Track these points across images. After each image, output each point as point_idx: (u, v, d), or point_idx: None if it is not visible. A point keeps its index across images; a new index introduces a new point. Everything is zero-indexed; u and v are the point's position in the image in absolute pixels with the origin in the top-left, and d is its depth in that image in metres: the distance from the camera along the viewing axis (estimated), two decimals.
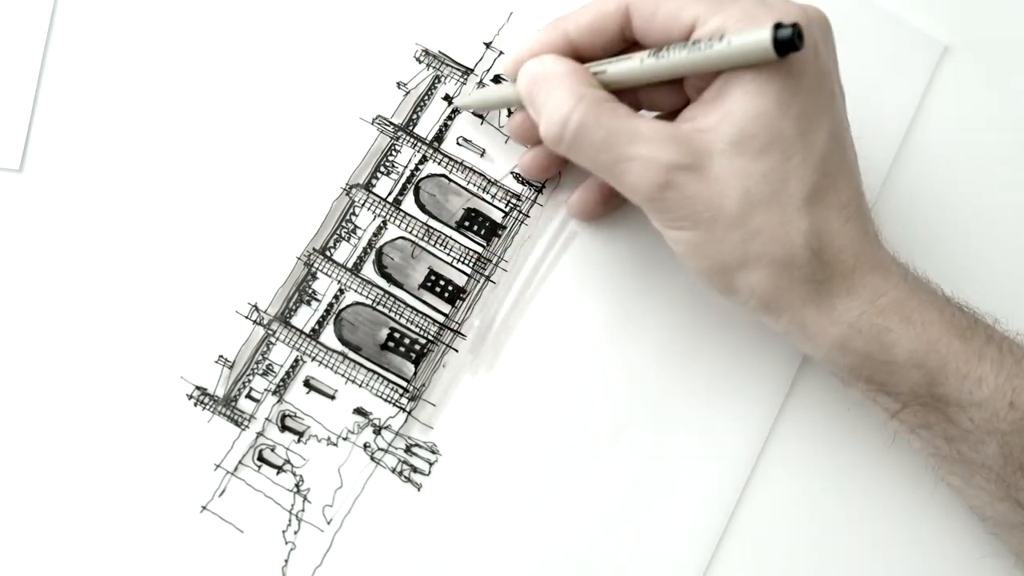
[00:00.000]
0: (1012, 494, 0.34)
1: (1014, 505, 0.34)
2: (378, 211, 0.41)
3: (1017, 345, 0.35)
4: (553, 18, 0.43)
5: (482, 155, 0.42)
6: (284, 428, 0.39)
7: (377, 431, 0.39)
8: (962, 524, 0.39)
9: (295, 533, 0.38)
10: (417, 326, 0.40)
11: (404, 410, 0.39)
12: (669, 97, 0.37)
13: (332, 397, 0.40)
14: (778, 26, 0.31)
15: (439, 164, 0.42)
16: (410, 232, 0.41)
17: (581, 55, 0.36)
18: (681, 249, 0.34)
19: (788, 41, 0.30)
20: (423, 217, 0.41)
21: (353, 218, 0.41)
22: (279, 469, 0.39)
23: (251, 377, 0.39)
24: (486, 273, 0.41)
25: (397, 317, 0.40)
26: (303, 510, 0.38)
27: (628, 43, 0.36)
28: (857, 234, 0.34)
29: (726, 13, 0.32)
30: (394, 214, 0.41)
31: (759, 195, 0.32)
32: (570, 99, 0.33)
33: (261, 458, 0.39)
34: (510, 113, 0.41)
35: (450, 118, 0.42)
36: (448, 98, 0.42)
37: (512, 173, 0.42)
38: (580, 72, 0.34)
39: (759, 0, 0.33)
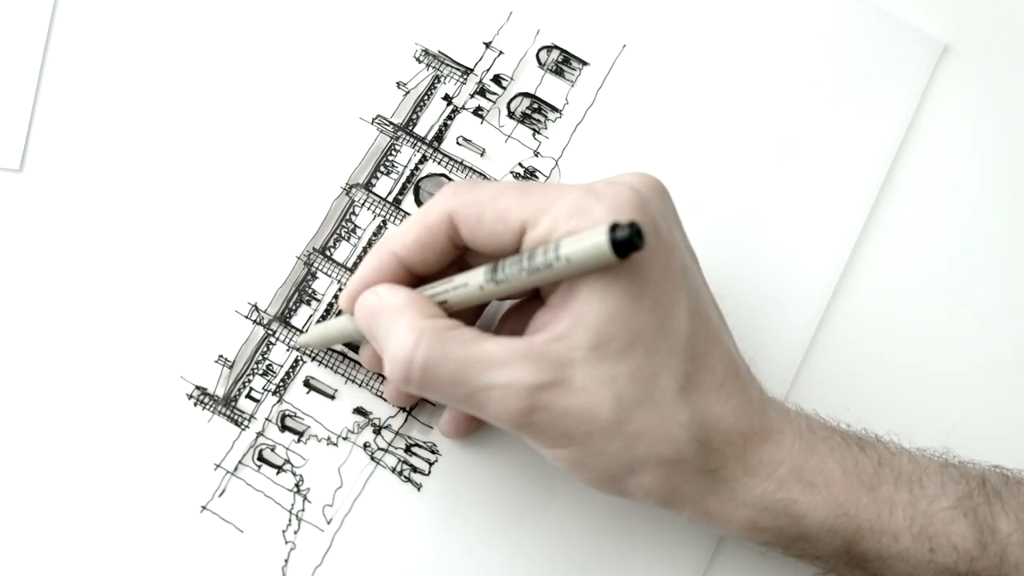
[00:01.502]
0: None
1: None
2: (378, 211, 0.41)
3: (927, 476, 0.33)
4: (551, 23, 0.43)
5: (482, 155, 0.42)
6: (284, 428, 0.39)
7: (377, 431, 0.39)
8: None
9: (295, 533, 0.38)
10: None
11: (404, 409, 0.39)
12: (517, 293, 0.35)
13: (332, 397, 0.40)
14: (614, 227, 0.28)
15: (439, 164, 0.42)
16: None
17: (415, 272, 0.34)
18: (564, 466, 0.32)
19: (627, 242, 0.28)
20: None
21: (353, 218, 0.41)
22: (279, 469, 0.39)
23: (251, 377, 0.39)
24: None
25: None
26: (303, 510, 0.38)
27: (460, 250, 0.34)
28: (741, 409, 0.32)
29: (555, 211, 0.30)
30: (394, 214, 0.41)
31: (630, 398, 0.30)
32: (410, 337, 0.31)
33: (261, 458, 0.39)
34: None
35: (450, 118, 0.42)
36: (448, 98, 0.42)
37: (512, 173, 0.42)
38: (417, 301, 0.32)
39: (586, 189, 0.31)
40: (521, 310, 0.36)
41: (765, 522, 0.32)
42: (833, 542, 0.32)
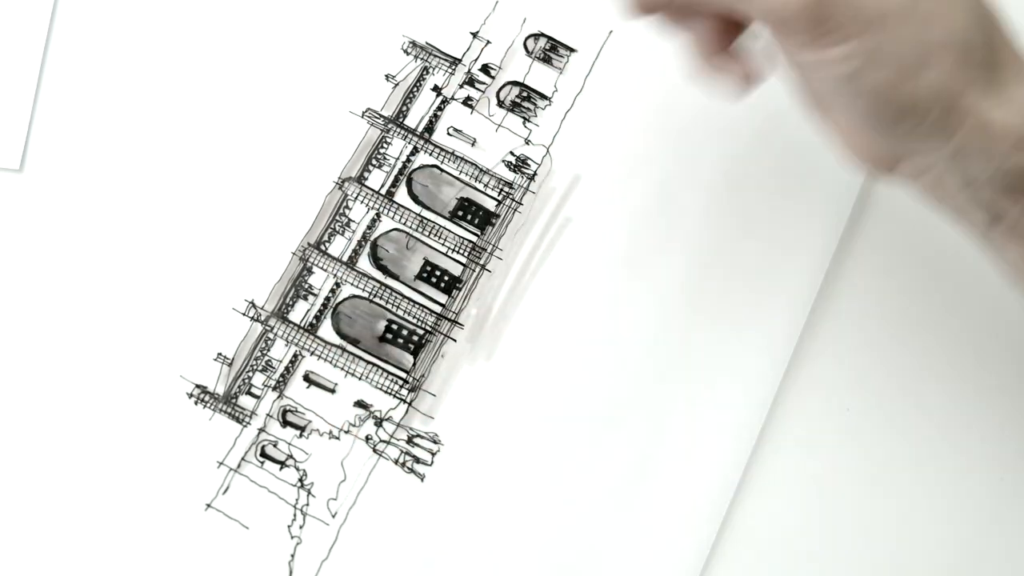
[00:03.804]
0: None
1: None
2: (371, 204, 0.41)
3: None
4: (537, 11, 0.43)
5: (473, 144, 0.42)
6: (285, 423, 0.39)
7: (378, 423, 0.39)
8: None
9: (300, 527, 0.38)
10: (415, 317, 0.40)
11: (405, 401, 0.39)
12: None
13: (332, 391, 0.40)
14: None
15: (430, 155, 0.42)
16: (404, 224, 0.41)
17: None
18: (851, 67, 0.30)
19: None
20: (417, 208, 0.42)
21: (347, 211, 0.41)
22: (282, 464, 0.39)
23: (251, 374, 0.39)
24: (481, 262, 0.41)
25: (394, 309, 0.41)
26: (307, 504, 0.38)
27: None
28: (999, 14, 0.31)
29: None
30: (388, 206, 0.41)
31: None
32: None
33: (264, 454, 0.39)
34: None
35: (440, 108, 0.42)
36: (437, 89, 0.42)
37: (504, 162, 0.42)
38: None
39: None
40: None
41: None
42: None
